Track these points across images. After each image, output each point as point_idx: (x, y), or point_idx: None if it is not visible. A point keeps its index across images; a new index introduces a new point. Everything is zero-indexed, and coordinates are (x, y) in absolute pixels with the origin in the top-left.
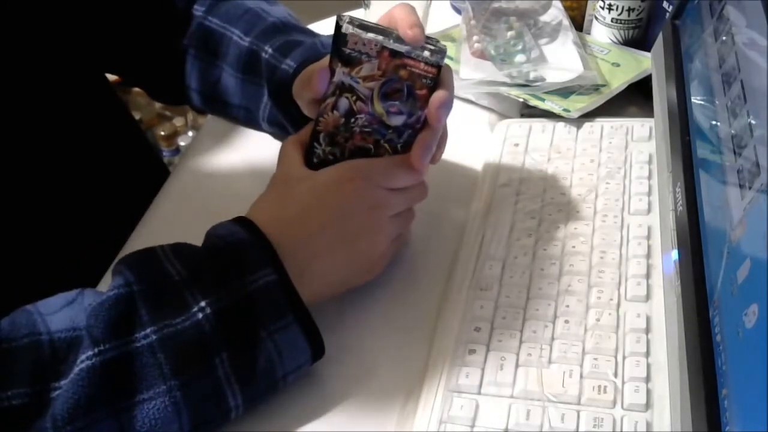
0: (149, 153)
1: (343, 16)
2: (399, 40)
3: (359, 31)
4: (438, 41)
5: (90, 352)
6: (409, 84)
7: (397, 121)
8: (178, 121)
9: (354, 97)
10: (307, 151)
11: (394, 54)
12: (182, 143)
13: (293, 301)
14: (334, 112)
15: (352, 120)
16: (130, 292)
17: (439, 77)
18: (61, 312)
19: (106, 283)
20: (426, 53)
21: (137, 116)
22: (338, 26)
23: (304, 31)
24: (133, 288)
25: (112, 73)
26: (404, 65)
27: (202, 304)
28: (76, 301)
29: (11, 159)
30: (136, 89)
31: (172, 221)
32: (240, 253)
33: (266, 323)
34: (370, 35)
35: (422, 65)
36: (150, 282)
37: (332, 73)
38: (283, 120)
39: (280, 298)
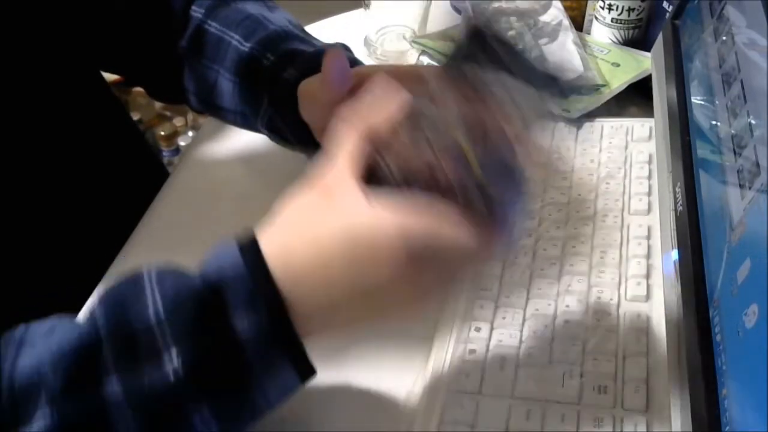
0: (148, 153)
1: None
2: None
3: (447, 76)
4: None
5: (47, 408)
6: (510, 145)
7: (486, 164)
8: (178, 121)
9: (434, 133)
10: (372, 165)
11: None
12: (182, 143)
13: (287, 343)
14: (406, 138)
15: (429, 152)
16: (97, 338)
17: None
18: (38, 343)
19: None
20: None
21: (137, 116)
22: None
23: (306, 40)
24: (100, 333)
25: (111, 72)
26: (506, 119)
27: (173, 354)
28: (53, 331)
29: (10, 160)
30: (136, 89)
31: (172, 221)
32: (224, 290)
33: (254, 367)
34: (462, 82)
35: (526, 114)
36: (124, 321)
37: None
38: (283, 127)
39: (270, 341)
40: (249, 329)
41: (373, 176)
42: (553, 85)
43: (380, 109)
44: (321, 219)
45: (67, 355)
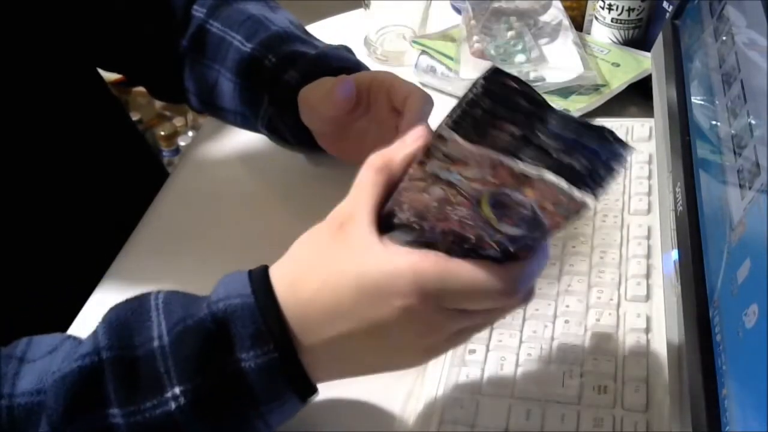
0: (148, 153)
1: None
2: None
3: (466, 143)
4: (617, 139)
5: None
6: (538, 205)
7: (511, 231)
8: (178, 121)
9: (453, 191)
10: (387, 212)
11: (520, 176)
12: (182, 143)
13: (295, 379)
14: (424, 195)
15: (448, 208)
16: (99, 361)
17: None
18: (40, 361)
19: (106, 289)
20: (569, 187)
21: (137, 116)
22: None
23: (308, 41)
24: (102, 356)
25: (113, 71)
26: (531, 184)
27: (177, 391)
28: (56, 351)
29: (9, 160)
30: (136, 89)
31: (172, 221)
32: (230, 324)
33: (258, 404)
34: (480, 149)
35: (558, 195)
36: (127, 346)
37: (423, 160)
38: (283, 128)
39: (278, 378)
40: (255, 364)
41: (390, 219)
42: (602, 148)
43: (405, 155)
44: (333, 256)
45: (68, 381)
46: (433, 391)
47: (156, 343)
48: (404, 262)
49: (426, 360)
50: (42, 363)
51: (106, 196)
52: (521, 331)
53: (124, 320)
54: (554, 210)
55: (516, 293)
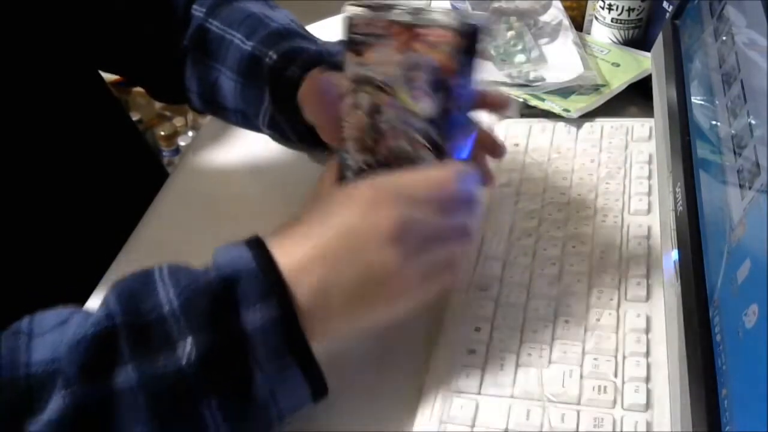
0: (148, 153)
1: (352, 2)
2: (413, 11)
3: (365, 11)
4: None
5: (62, 394)
6: (430, 58)
7: (426, 106)
8: (178, 121)
9: (374, 89)
10: (340, 165)
11: (405, 27)
12: (182, 143)
13: (295, 340)
14: (357, 111)
15: (378, 116)
16: (112, 327)
17: (467, 45)
18: (50, 334)
19: (106, 288)
20: (438, 16)
21: (137, 116)
22: (346, 16)
23: (308, 38)
24: (115, 321)
25: (112, 72)
26: (419, 37)
27: (188, 345)
28: (66, 324)
29: (9, 160)
30: (136, 89)
31: (172, 221)
32: (236, 285)
33: (262, 365)
34: (377, 12)
35: (438, 31)
36: (137, 313)
37: (346, 67)
38: (284, 126)
39: (280, 337)
40: (259, 322)
41: (348, 179)
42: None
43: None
44: (307, 215)
45: (82, 342)
46: (433, 391)
47: (166, 308)
48: (362, 183)
49: (409, 276)
50: (53, 335)
51: (106, 196)
52: (521, 331)
53: (133, 291)
54: (445, 56)
55: (451, 176)
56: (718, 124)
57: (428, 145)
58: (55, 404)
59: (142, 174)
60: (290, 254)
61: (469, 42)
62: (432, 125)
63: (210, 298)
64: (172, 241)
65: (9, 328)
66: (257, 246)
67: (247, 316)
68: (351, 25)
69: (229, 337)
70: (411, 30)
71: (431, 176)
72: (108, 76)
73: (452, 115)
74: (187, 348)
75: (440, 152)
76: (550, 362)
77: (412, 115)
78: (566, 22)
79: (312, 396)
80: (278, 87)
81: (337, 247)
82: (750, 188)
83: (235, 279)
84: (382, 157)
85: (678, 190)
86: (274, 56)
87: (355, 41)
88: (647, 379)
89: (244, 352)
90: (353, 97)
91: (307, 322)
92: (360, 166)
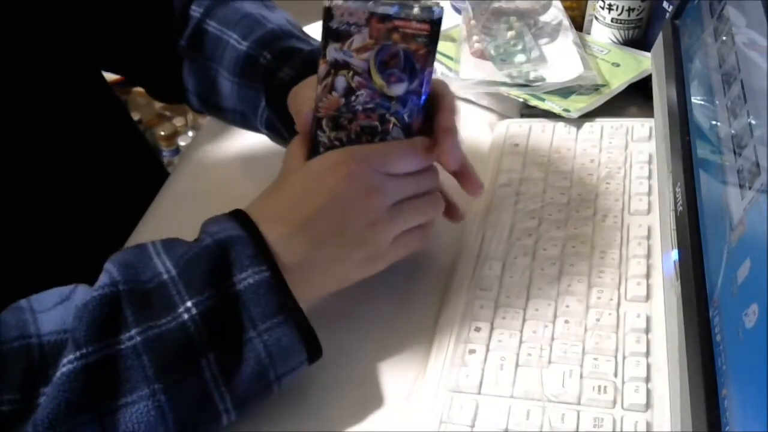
0: (148, 153)
1: None
2: (388, 3)
3: (344, 1)
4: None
5: (72, 356)
6: (404, 47)
7: (399, 89)
8: (178, 121)
9: (351, 73)
10: (313, 143)
11: (383, 18)
12: (182, 143)
13: (284, 299)
14: (333, 93)
15: (353, 98)
16: (116, 291)
17: (435, 35)
18: (53, 310)
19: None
20: (416, 10)
21: (137, 116)
22: (326, 6)
23: (303, 39)
24: (119, 287)
25: (111, 71)
26: (395, 28)
27: (189, 304)
28: (69, 299)
29: (9, 160)
30: (136, 89)
31: (172, 221)
32: (230, 249)
33: (255, 323)
34: (356, 3)
35: (414, 24)
36: (137, 281)
37: (324, 53)
38: (280, 126)
39: (270, 296)
40: (252, 281)
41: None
42: None
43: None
44: (283, 183)
45: (90, 303)
46: (433, 391)
47: (165, 276)
48: (334, 152)
49: (384, 234)
50: (58, 311)
51: (107, 195)
52: (521, 331)
53: (132, 262)
54: (419, 46)
55: (420, 147)
56: (718, 124)
57: (398, 124)
58: (64, 367)
59: (142, 174)
60: (274, 225)
61: (437, 32)
62: (403, 106)
63: (207, 260)
64: None
65: (8, 308)
66: (243, 217)
67: (238, 278)
68: (331, 13)
69: (224, 297)
70: (389, 21)
71: (403, 146)
72: (108, 76)
73: (421, 97)
74: (188, 305)
75: (409, 130)
76: (550, 362)
77: (387, 98)
78: (566, 22)
79: (308, 357)
80: (272, 88)
81: (318, 215)
82: (750, 188)
83: (230, 243)
84: (353, 134)
85: (678, 190)
86: (269, 56)
87: (334, 28)
88: (647, 379)
89: (237, 310)
90: (330, 79)
91: (294, 284)
92: (333, 143)
